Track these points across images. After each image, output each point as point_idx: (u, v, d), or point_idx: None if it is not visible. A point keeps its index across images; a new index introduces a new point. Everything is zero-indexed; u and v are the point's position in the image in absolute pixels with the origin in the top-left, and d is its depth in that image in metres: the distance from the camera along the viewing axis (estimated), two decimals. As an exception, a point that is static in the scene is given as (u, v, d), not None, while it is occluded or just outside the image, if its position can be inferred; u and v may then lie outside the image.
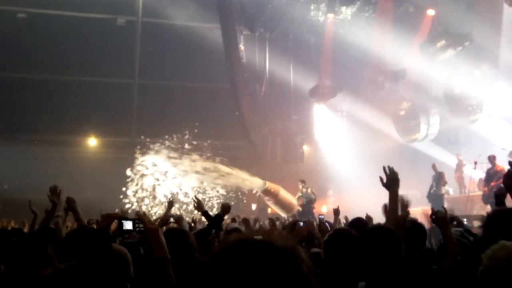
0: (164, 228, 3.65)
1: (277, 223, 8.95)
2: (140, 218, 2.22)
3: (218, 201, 17.11)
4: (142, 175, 17.57)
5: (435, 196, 14.15)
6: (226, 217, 5.47)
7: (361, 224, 4.50)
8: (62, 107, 18.28)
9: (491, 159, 12.80)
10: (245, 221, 6.51)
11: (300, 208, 16.10)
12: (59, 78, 19.05)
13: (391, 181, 3.71)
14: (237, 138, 19.80)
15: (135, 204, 17.29)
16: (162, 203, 17.09)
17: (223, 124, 19.10)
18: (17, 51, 18.35)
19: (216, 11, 19.18)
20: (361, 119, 19.55)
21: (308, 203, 16.00)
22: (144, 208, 16.60)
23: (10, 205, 13.31)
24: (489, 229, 2.64)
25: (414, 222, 4.17)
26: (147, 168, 17.54)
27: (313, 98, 20.11)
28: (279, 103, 21.10)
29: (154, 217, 11.48)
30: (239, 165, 18.14)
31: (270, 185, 16.59)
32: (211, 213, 5.35)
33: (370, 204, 9.77)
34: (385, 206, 4.64)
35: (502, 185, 5.14)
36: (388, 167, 3.77)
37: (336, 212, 6.91)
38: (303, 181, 16.44)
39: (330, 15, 19.04)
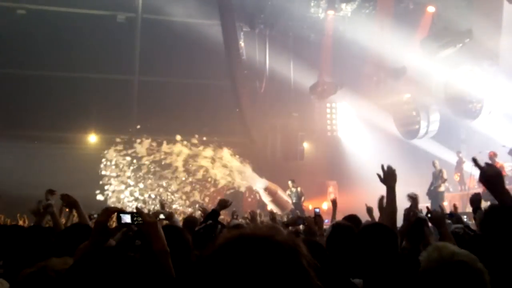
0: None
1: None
2: (138, 211, 2.22)
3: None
4: (141, 172, 17.63)
5: (435, 193, 14.17)
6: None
7: (354, 221, 4.49)
8: (62, 103, 18.24)
9: (492, 156, 12.82)
10: (253, 215, 6.49)
11: (293, 207, 16.51)
12: (58, 74, 19.00)
13: (388, 177, 3.76)
14: (237, 134, 19.76)
15: (133, 200, 17.39)
16: (155, 199, 17.25)
17: (223, 121, 19.07)
18: (17, 47, 18.29)
19: (216, 7, 19.14)
20: (361, 116, 19.56)
21: (297, 201, 16.50)
22: (141, 205, 16.64)
23: (10, 202, 13.29)
24: (486, 226, 2.63)
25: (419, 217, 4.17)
26: (146, 165, 17.58)
27: (313, 94, 20.11)
28: (279, 100, 21.08)
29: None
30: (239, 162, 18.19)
31: (270, 184, 16.97)
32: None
33: (371, 200, 9.78)
34: (381, 199, 4.66)
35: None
36: (387, 165, 3.83)
37: (334, 203, 6.92)
38: (293, 181, 16.90)
39: (330, 12, 19.02)
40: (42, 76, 18.89)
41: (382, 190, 3.93)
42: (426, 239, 4.06)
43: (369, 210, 6.43)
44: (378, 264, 2.56)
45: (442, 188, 14.44)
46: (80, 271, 1.55)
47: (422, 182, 15.31)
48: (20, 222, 12.57)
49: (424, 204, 13.18)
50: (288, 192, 16.91)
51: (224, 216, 11.50)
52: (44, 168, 16.25)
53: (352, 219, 4.64)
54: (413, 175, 16.54)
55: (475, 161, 2.77)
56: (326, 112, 22.03)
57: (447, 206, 13.59)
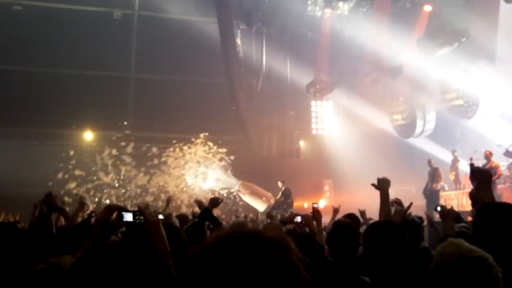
0: None
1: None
2: (140, 210, 2.22)
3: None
4: (137, 169, 17.62)
5: (430, 192, 14.21)
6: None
7: (354, 221, 4.48)
8: (58, 100, 18.20)
9: (487, 155, 12.85)
10: (270, 216, 6.58)
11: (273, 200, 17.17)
12: (54, 71, 18.94)
13: (381, 182, 3.83)
14: (233, 132, 19.77)
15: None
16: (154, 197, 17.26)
17: (219, 119, 19.07)
18: (12, 43, 18.23)
19: (213, 5, 19.12)
20: (358, 115, 19.58)
21: (286, 199, 16.43)
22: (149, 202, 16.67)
23: (5, 199, 13.26)
24: (478, 224, 2.63)
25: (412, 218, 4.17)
26: (142, 162, 17.59)
27: (310, 93, 20.12)
28: (276, 98, 21.08)
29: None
30: (235, 160, 18.20)
31: (243, 182, 17.90)
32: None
33: (366, 199, 9.82)
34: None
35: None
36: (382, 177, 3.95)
37: (335, 211, 6.91)
38: (283, 181, 16.81)
39: (327, 10, 19.05)
40: (37, 72, 18.83)
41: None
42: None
43: (362, 213, 6.44)
44: (389, 262, 2.54)
45: (437, 187, 14.48)
46: (84, 267, 1.56)
47: (418, 180, 15.35)
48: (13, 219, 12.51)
49: (420, 203, 13.27)
50: (279, 193, 16.81)
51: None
52: (39, 165, 16.23)
53: (351, 218, 4.65)
54: (408, 173, 16.62)
55: (471, 165, 2.89)
56: (322, 111, 22.04)
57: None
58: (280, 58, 20.60)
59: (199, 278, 0.95)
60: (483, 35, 14.31)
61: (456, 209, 10.28)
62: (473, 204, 5.09)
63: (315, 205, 4.78)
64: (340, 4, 18.81)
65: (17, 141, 17.46)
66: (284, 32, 21.04)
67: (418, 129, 18.03)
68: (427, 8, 16.67)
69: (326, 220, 9.16)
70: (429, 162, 14.83)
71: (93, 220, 5.37)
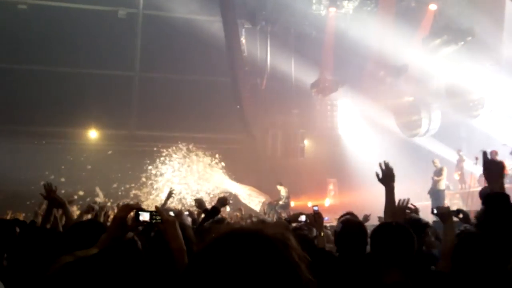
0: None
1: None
2: (157, 210, 2.29)
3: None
4: (142, 169, 17.68)
5: (435, 191, 14.17)
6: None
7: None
8: (63, 99, 18.24)
9: (493, 154, 12.76)
10: (294, 216, 6.61)
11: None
12: (59, 69, 18.98)
13: (386, 176, 3.72)
14: (238, 131, 19.77)
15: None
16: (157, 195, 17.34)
17: (224, 118, 19.06)
18: (17, 42, 18.28)
19: (218, 4, 19.10)
20: (362, 114, 19.54)
21: (286, 201, 16.59)
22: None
23: (10, 197, 13.32)
24: (482, 225, 2.64)
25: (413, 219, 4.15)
26: (146, 162, 17.64)
27: (314, 92, 20.08)
28: (280, 97, 21.04)
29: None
30: (239, 159, 18.21)
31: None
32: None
33: (371, 198, 9.79)
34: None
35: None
36: (384, 162, 3.77)
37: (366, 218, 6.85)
38: (280, 183, 16.93)
39: (332, 9, 18.99)
40: (42, 71, 18.87)
41: (382, 188, 3.91)
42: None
43: (365, 218, 6.42)
44: (396, 262, 2.52)
45: (442, 187, 14.43)
46: (106, 261, 1.58)
47: (423, 180, 15.30)
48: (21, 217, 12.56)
49: (425, 202, 13.23)
50: (281, 194, 16.88)
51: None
52: (44, 163, 16.28)
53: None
54: (413, 173, 16.56)
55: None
56: (327, 110, 21.97)
57: (447, 204, 13.59)
58: (285, 57, 20.55)
59: (198, 277, 0.95)
60: (489, 34, 14.26)
61: (465, 209, 10.25)
62: (483, 203, 5.05)
63: (316, 208, 4.72)
64: (345, 3, 18.77)
65: (24, 139, 17.50)
66: (288, 31, 21.00)
67: (424, 128, 17.99)
68: (432, 7, 16.62)
69: (331, 220, 9.16)
70: (434, 162, 14.81)
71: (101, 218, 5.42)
